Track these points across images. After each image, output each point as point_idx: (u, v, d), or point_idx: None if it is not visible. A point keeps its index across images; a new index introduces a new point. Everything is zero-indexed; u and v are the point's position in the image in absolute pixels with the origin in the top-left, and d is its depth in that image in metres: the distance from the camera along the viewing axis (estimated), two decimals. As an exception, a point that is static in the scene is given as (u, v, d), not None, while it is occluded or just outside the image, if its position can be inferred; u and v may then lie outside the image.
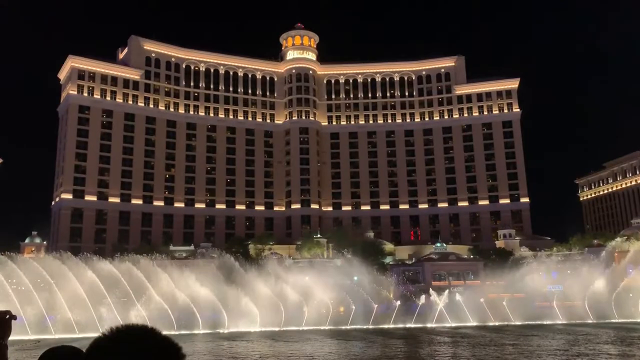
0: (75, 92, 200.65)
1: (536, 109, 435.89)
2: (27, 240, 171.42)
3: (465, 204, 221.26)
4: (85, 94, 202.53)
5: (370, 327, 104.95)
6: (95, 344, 3.15)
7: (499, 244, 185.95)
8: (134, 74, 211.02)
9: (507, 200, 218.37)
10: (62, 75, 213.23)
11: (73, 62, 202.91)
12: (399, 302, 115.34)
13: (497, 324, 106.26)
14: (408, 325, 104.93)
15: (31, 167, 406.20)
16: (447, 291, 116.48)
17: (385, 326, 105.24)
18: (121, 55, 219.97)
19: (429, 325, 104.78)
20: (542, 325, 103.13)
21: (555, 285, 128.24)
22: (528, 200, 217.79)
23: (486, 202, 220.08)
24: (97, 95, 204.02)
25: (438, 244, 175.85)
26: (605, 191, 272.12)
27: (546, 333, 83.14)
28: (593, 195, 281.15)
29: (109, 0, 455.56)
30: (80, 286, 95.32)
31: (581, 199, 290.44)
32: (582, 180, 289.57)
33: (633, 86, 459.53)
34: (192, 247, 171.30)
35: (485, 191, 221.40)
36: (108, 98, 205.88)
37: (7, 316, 4.41)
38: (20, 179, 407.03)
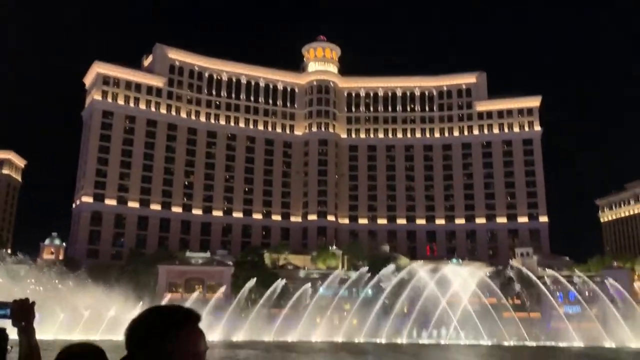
0: (100, 98, 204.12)
1: (557, 125, 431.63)
2: (46, 241, 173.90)
3: (483, 221, 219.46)
4: (110, 100, 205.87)
5: (383, 341, 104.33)
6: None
7: (516, 262, 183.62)
8: (157, 82, 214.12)
9: (526, 219, 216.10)
10: (88, 80, 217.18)
11: (99, 68, 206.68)
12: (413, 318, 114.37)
13: (512, 344, 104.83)
14: (421, 342, 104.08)
15: (54, 170, 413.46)
16: (461, 308, 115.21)
17: (399, 341, 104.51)
18: (146, 63, 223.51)
19: (442, 342, 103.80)
20: (558, 347, 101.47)
21: (572, 306, 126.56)
22: (547, 219, 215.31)
23: (504, 220, 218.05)
24: (120, 101, 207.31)
25: (454, 260, 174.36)
26: (627, 213, 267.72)
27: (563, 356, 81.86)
28: (614, 216, 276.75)
29: (135, 9, 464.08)
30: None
31: (602, 220, 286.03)
32: (603, 201, 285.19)
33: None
34: (208, 254, 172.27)
35: (504, 209, 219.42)
36: (131, 104, 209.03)
37: (31, 302, 5.02)
38: (44, 181, 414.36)
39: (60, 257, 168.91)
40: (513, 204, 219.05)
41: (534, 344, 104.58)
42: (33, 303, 5.07)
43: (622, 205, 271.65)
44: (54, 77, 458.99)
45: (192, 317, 3.45)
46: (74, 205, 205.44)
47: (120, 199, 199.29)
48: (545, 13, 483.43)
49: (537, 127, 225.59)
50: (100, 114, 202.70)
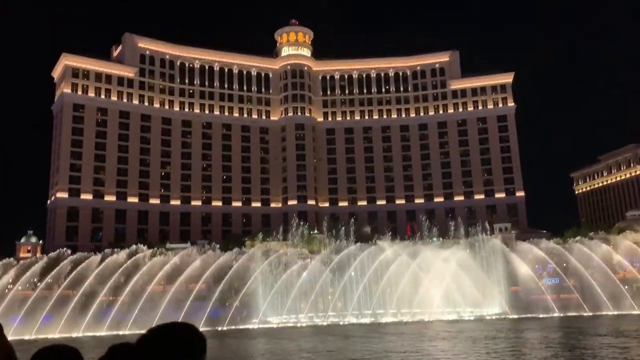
0: (70, 91, 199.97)
1: (531, 101, 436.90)
2: (22, 240, 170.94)
3: (461, 198, 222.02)
4: (80, 92, 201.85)
5: (368, 321, 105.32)
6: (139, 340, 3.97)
7: (495, 237, 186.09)
8: (128, 72, 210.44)
9: (503, 194, 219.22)
10: (56, 73, 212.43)
11: (67, 60, 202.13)
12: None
13: (494, 317, 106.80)
14: (405, 320, 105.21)
15: (26, 166, 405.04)
16: (445, 284, 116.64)
17: (383, 320, 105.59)
18: (115, 53, 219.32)
19: (426, 319, 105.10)
20: (538, 318, 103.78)
21: (551, 278, 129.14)
22: (524, 194, 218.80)
23: (482, 196, 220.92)
24: (91, 94, 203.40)
25: (434, 239, 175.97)
26: (601, 184, 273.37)
27: (543, 326, 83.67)
28: (588, 188, 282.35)
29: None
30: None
31: (576, 192, 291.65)
32: (578, 174, 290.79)
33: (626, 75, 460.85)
34: (188, 245, 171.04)
35: (481, 185, 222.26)
36: (103, 96, 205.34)
37: None
38: (16, 178, 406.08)
39: (38, 255, 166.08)
40: (490, 180, 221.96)
41: (515, 316, 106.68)
42: None
43: (597, 177, 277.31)
44: (22, 71, 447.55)
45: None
46: (48, 202, 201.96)
47: (97, 193, 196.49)
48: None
49: (511, 103, 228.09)
50: (70, 107, 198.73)
